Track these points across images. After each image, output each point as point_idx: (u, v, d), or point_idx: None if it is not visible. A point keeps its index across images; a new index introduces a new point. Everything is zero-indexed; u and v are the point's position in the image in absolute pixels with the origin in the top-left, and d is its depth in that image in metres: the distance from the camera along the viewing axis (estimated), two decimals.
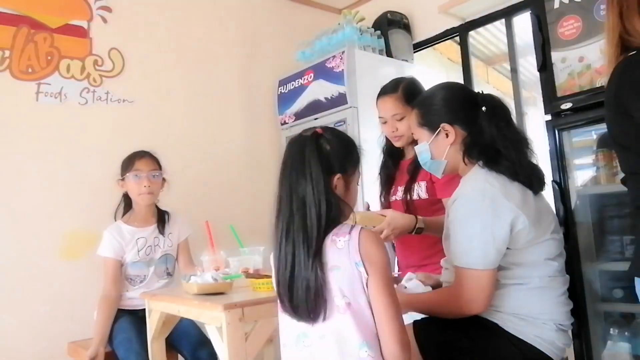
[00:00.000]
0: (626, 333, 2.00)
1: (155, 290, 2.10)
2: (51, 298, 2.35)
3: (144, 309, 1.99)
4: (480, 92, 1.46)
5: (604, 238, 2.03)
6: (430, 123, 1.44)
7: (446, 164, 1.44)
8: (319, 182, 1.15)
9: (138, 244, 2.14)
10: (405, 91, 1.86)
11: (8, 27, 2.39)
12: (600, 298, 2.00)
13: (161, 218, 2.24)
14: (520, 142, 1.38)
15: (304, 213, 1.15)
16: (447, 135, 1.40)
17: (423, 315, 1.46)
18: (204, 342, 1.99)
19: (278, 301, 1.20)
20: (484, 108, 1.38)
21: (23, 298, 2.30)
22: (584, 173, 2.09)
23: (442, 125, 1.40)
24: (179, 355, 2.17)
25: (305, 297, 1.11)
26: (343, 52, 2.80)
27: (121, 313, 2.11)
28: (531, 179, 1.35)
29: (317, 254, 1.12)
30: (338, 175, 1.19)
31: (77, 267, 2.40)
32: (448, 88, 1.52)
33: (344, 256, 1.11)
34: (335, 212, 1.15)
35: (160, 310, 1.87)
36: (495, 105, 1.40)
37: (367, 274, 1.10)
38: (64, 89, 2.51)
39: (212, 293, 1.62)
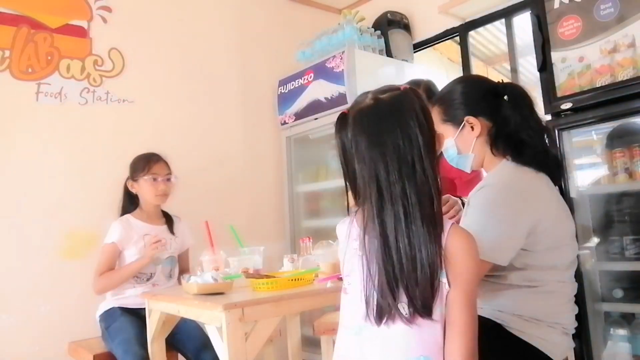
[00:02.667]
0: (626, 333, 2.00)
1: (156, 290, 2.10)
2: (51, 298, 2.35)
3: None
4: (501, 81, 1.45)
5: (604, 238, 2.03)
6: (453, 118, 1.41)
7: (473, 158, 1.40)
8: (429, 147, 0.95)
9: (145, 240, 2.15)
10: (426, 89, 1.88)
11: (8, 27, 2.39)
12: (600, 298, 2.00)
13: (169, 219, 2.30)
14: (543, 131, 1.37)
15: (416, 186, 0.93)
16: (472, 128, 1.37)
17: None
18: (207, 345, 1.99)
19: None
20: (505, 97, 1.37)
21: (23, 298, 2.30)
22: (584, 173, 2.09)
23: (466, 118, 1.37)
24: (179, 356, 2.17)
25: (380, 295, 0.93)
26: (343, 52, 2.80)
27: (121, 312, 2.11)
28: (554, 169, 1.35)
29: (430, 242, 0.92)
30: (441, 135, 1.03)
31: (77, 267, 2.40)
32: (467, 81, 1.51)
33: None
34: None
35: (160, 310, 1.87)
36: (517, 93, 1.38)
37: (449, 285, 0.93)
38: (64, 89, 2.51)
39: (212, 293, 1.62)
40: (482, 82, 1.46)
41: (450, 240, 0.94)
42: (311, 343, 2.80)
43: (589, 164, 2.10)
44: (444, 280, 0.93)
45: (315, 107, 2.97)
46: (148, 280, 2.17)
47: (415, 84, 1.95)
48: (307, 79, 3.02)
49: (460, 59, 3.10)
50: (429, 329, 0.94)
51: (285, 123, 3.19)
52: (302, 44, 3.18)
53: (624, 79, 1.82)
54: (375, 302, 0.94)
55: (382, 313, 0.94)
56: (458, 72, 3.17)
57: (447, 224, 0.96)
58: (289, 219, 3.18)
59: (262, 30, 3.32)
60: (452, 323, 0.94)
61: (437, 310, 0.93)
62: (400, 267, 0.92)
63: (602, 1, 1.88)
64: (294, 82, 3.11)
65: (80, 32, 2.60)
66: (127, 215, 2.21)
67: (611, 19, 1.86)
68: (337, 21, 3.17)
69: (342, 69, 2.78)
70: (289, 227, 3.18)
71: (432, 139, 0.97)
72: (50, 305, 2.35)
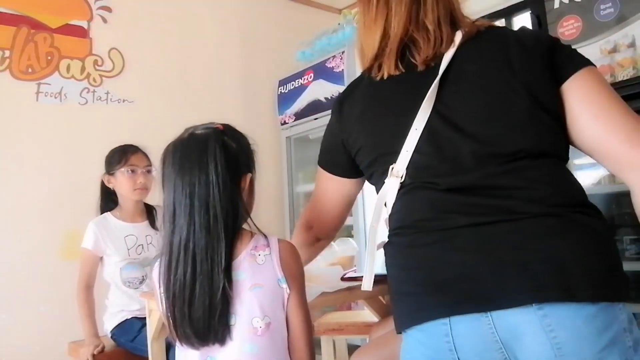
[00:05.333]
0: None
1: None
2: (51, 298, 2.35)
3: None
4: None
5: None
6: None
7: None
8: (227, 185, 1.02)
9: (127, 243, 2.04)
10: None
11: (8, 27, 2.39)
12: None
13: (150, 213, 2.14)
14: None
15: (208, 222, 1.01)
16: None
17: None
18: None
19: (173, 333, 1.05)
20: None
21: (23, 298, 2.30)
22: (584, 173, 2.09)
23: None
24: None
25: (207, 320, 1.00)
26: (343, 52, 2.80)
27: (141, 322, 1.96)
28: None
29: (226, 270, 1.01)
30: (250, 175, 1.09)
31: (77, 267, 2.40)
32: None
33: (266, 272, 1.04)
34: (240, 220, 1.06)
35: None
36: None
37: (289, 289, 1.05)
38: (64, 89, 2.51)
39: None
40: None
41: (282, 250, 1.06)
42: None
43: (589, 164, 2.10)
44: (284, 285, 1.04)
45: (315, 107, 2.97)
46: (141, 283, 2.04)
47: None
48: (307, 79, 3.02)
49: None
50: (279, 336, 1.04)
51: (285, 123, 3.19)
52: (302, 44, 3.18)
53: (624, 78, 1.82)
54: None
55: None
56: None
57: (273, 238, 1.08)
58: (289, 219, 3.18)
59: (262, 30, 3.32)
60: (294, 323, 1.06)
61: (282, 314, 1.05)
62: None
63: (602, 1, 1.88)
64: (294, 82, 3.11)
65: (80, 32, 2.60)
66: (106, 214, 2.08)
67: (611, 19, 1.86)
68: (337, 21, 3.17)
69: (342, 69, 2.78)
70: (289, 227, 3.18)
71: (231, 180, 1.03)
72: (50, 305, 2.34)
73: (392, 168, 0.90)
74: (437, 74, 0.87)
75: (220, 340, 1.02)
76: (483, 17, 3.25)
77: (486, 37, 0.90)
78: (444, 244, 0.82)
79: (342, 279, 1.79)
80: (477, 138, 0.84)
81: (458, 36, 0.90)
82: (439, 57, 0.90)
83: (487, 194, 0.81)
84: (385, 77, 0.95)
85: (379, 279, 1.79)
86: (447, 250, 0.82)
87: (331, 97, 2.85)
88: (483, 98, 0.85)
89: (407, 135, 0.88)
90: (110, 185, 2.07)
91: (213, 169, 1.02)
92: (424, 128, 0.87)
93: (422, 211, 0.87)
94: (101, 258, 2.05)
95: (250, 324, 1.02)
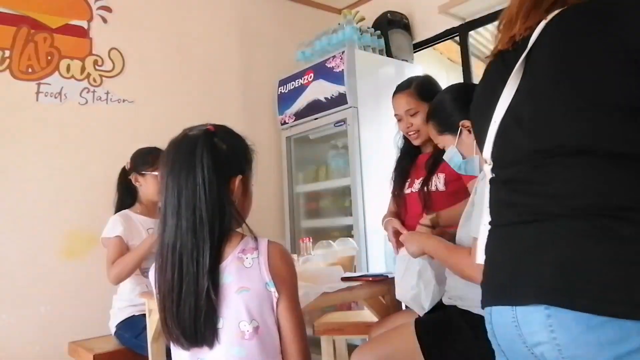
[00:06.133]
0: None
1: None
2: (51, 298, 2.35)
3: None
4: None
5: None
6: (449, 127, 1.46)
7: (479, 159, 1.40)
8: (212, 187, 1.02)
9: (149, 234, 2.10)
10: (417, 87, 1.89)
11: (8, 27, 2.39)
12: None
13: None
14: None
15: (194, 224, 1.01)
16: (469, 131, 1.41)
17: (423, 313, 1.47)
18: None
19: (165, 332, 1.07)
20: None
21: (23, 298, 2.30)
22: None
23: (461, 122, 1.42)
24: None
25: (193, 322, 1.00)
26: (343, 52, 2.80)
27: (137, 317, 2.02)
28: None
29: (211, 272, 1.01)
30: (240, 177, 1.09)
31: (77, 267, 2.40)
32: (452, 89, 1.56)
33: (253, 276, 1.03)
34: (228, 222, 1.05)
35: None
36: None
37: (277, 293, 1.04)
38: (64, 89, 2.51)
39: None
40: (467, 86, 1.52)
41: (272, 255, 1.05)
42: (311, 343, 2.79)
43: None
44: (272, 289, 1.03)
45: (315, 107, 2.96)
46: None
47: (410, 80, 1.95)
48: (307, 79, 3.01)
49: (460, 59, 3.10)
50: (269, 340, 1.04)
51: (285, 123, 3.18)
52: (302, 44, 3.18)
53: None
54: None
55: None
56: (458, 72, 3.17)
57: (263, 240, 1.07)
58: (289, 219, 3.18)
59: (262, 30, 3.32)
60: (285, 328, 1.05)
61: (271, 318, 1.04)
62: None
63: None
64: (294, 82, 3.11)
65: (80, 32, 2.60)
66: (126, 211, 2.15)
67: None
68: (337, 21, 3.17)
69: (342, 69, 2.77)
70: (289, 227, 3.18)
71: (218, 182, 1.04)
72: (50, 305, 2.35)
73: (483, 156, 0.95)
74: (520, 58, 0.86)
75: (208, 342, 1.02)
76: (483, 17, 3.22)
77: (567, 18, 0.83)
78: (497, 240, 0.90)
79: (342, 279, 1.79)
80: (527, 132, 0.85)
81: (545, 20, 0.85)
82: (526, 40, 0.87)
83: (523, 190, 0.84)
84: (494, 55, 1.00)
85: (381, 279, 1.80)
86: (497, 246, 0.90)
87: (331, 97, 2.85)
88: (539, 90, 0.84)
89: (489, 125, 0.91)
90: (137, 184, 2.17)
91: (200, 170, 1.02)
92: (501, 119, 0.89)
93: (491, 204, 0.93)
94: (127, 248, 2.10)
95: (238, 328, 1.02)
